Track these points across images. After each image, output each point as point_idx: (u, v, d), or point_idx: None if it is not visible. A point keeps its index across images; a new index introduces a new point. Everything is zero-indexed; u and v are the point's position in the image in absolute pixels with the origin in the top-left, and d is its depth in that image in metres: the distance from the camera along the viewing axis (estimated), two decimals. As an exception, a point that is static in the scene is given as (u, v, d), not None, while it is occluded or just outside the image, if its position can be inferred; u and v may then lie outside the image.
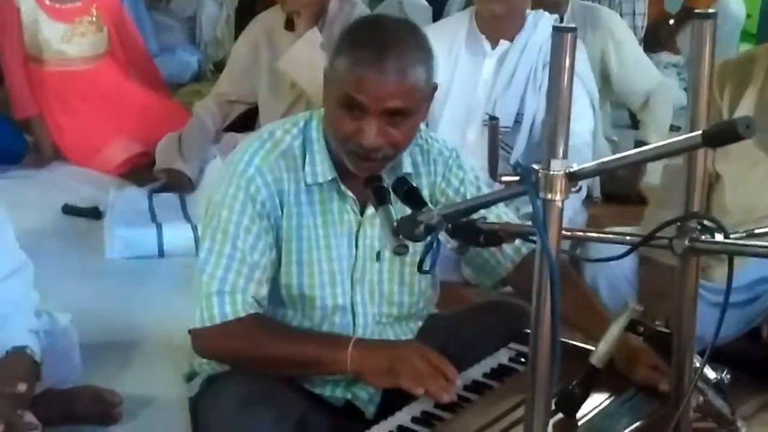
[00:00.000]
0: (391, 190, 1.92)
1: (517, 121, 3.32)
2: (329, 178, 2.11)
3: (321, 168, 2.11)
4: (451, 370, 1.97)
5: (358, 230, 2.17)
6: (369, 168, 2.04)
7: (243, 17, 4.55)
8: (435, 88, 2.12)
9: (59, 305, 2.65)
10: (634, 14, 4.85)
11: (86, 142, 4.41)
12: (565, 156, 1.28)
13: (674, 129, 4.73)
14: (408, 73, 1.98)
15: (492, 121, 1.72)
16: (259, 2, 4.73)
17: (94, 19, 4.56)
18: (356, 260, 2.19)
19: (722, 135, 1.13)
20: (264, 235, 2.10)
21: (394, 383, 1.96)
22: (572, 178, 1.28)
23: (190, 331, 2.13)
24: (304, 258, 2.15)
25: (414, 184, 1.89)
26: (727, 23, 5.42)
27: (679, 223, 1.44)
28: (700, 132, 1.15)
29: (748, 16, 7.17)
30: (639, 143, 4.08)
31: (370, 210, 2.13)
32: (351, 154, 2.03)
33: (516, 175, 1.34)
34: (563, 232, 1.34)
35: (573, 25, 1.28)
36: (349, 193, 2.13)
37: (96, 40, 4.59)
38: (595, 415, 1.91)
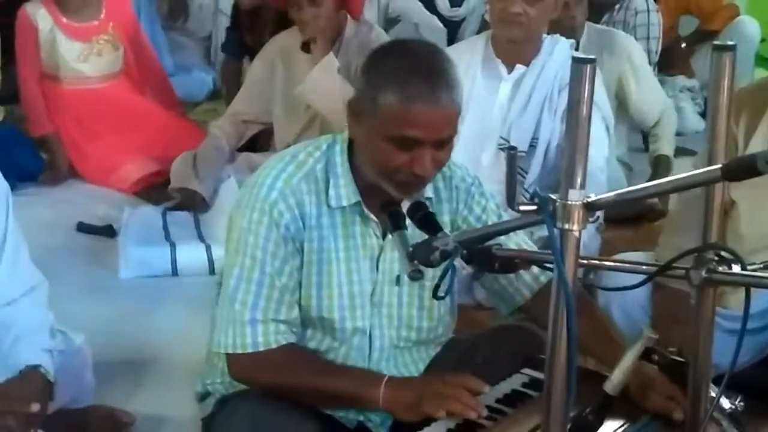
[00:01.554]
0: (406, 215, 1.94)
1: (532, 146, 3.32)
2: (353, 201, 2.11)
3: (345, 191, 2.11)
4: (476, 381, 1.98)
5: (379, 254, 2.17)
6: (416, 192, 2.05)
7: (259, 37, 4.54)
8: None
9: (72, 324, 2.65)
10: (648, 38, 4.84)
11: (101, 161, 4.44)
12: (582, 186, 1.28)
13: (689, 153, 4.73)
14: (456, 100, 2.00)
15: (511, 151, 1.73)
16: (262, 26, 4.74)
17: (110, 38, 4.59)
18: (376, 284, 2.18)
19: (742, 170, 1.13)
20: (291, 258, 2.10)
21: (421, 416, 1.97)
22: (590, 208, 1.29)
23: (227, 355, 2.13)
24: (324, 280, 2.15)
25: (431, 210, 1.90)
26: (742, 44, 5.41)
27: (695, 254, 1.44)
28: (719, 166, 1.15)
29: (763, 40, 7.17)
30: (657, 158, 4.12)
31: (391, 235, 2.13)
32: (400, 183, 2.02)
33: (533, 204, 1.34)
34: (581, 262, 1.35)
35: (592, 56, 1.28)
36: (372, 216, 2.13)
37: (112, 58, 4.62)
38: (609, 444, 1.91)
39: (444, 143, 2.01)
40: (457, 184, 2.26)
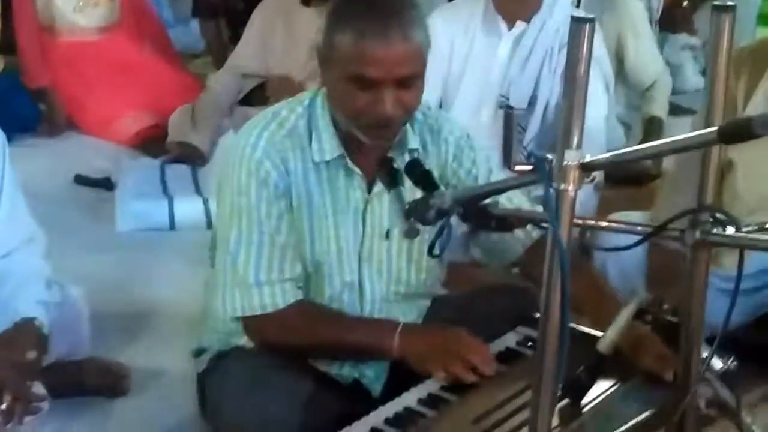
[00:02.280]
0: (404, 172, 1.94)
1: (531, 103, 3.30)
2: (336, 154, 2.11)
3: (328, 145, 2.11)
4: (489, 365, 2.03)
5: (365, 208, 2.17)
6: (384, 136, 2.06)
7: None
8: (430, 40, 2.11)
9: (69, 276, 2.67)
10: (652, -6, 4.83)
11: (99, 113, 4.42)
12: (579, 147, 1.27)
13: (689, 112, 4.72)
14: (413, 37, 1.99)
15: (508, 111, 1.72)
16: None
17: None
18: (364, 238, 2.19)
19: (738, 133, 1.12)
20: (284, 214, 2.11)
21: (436, 370, 2.02)
22: (586, 168, 1.28)
23: (241, 318, 2.15)
24: (315, 236, 2.16)
25: (428, 168, 1.90)
26: (743, 1, 5.39)
27: (690, 215, 1.44)
28: (715, 129, 1.15)
29: (767, -1, 7.13)
30: (649, 119, 4.12)
31: (378, 188, 2.14)
32: (366, 126, 2.03)
33: (530, 164, 1.34)
34: (575, 220, 1.34)
35: (591, 16, 1.27)
36: (357, 169, 2.13)
37: (108, 9, 4.61)
38: (601, 401, 1.92)
39: (407, 83, 2.00)
40: (446, 137, 2.25)
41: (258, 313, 2.10)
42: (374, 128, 2.03)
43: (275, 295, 2.10)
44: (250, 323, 2.14)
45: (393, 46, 1.96)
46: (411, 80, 2.00)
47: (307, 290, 2.20)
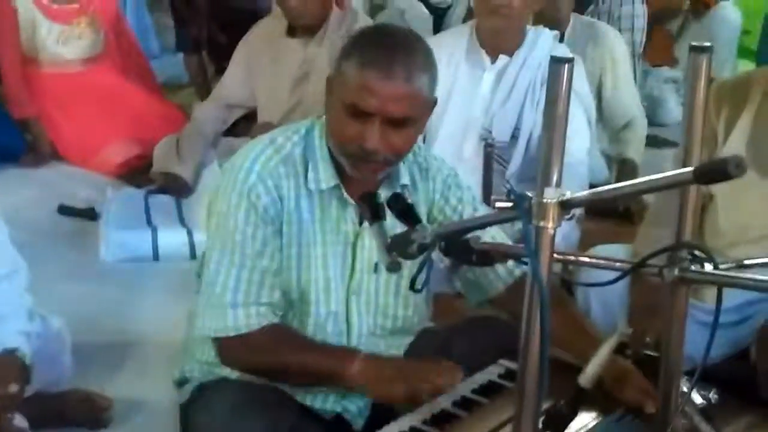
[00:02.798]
0: (386, 206, 1.95)
1: (514, 137, 3.32)
2: (332, 184, 2.12)
3: (324, 175, 2.12)
4: (455, 368, 2.03)
5: (355, 241, 2.18)
6: (367, 170, 2.07)
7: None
8: (435, 101, 2.15)
9: (52, 307, 2.66)
10: (633, 30, 4.86)
11: (84, 143, 4.42)
12: (558, 184, 1.29)
13: (672, 144, 4.75)
14: (414, 79, 2.00)
15: (488, 148, 1.74)
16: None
17: (91, 21, 4.58)
18: (353, 271, 2.19)
19: (713, 174, 1.14)
20: (271, 240, 2.11)
21: (398, 394, 2.00)
22: (565, 206, 1.29)
23: (213, 339, 2.15)
24: (303, 263, 2.16)
25: (410, 201, 1.91)
26: (724, 30, 5.45)
27: (669, 253, 1.45)
28: (691, 169, 1.17)
29: (748, 32, 7.19)
30: (622, 161, 4.09)
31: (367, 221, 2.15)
32: (351, 156, 2.04)
33: (510, 201, 1.35)
34: (555, 256, 1.36)
35: (570, 56, 1.29)
36: (351, 201, 2.14)
37: (92, 42, 4.61)
38: (582, 435, 1.92)
39: (398, 123, 2.01)
40: (434, 175, 2.27)
41: (231, 334, 2.09)
42: (356, 159, 2.04)
43: (249, 317, 2.09)
44: (222, 344, 2.13)
45: (392, 82, 1.97)
46: (403, 122, 2.02)
47: (291, 317, 2.20)
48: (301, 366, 2.11)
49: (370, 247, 2.18)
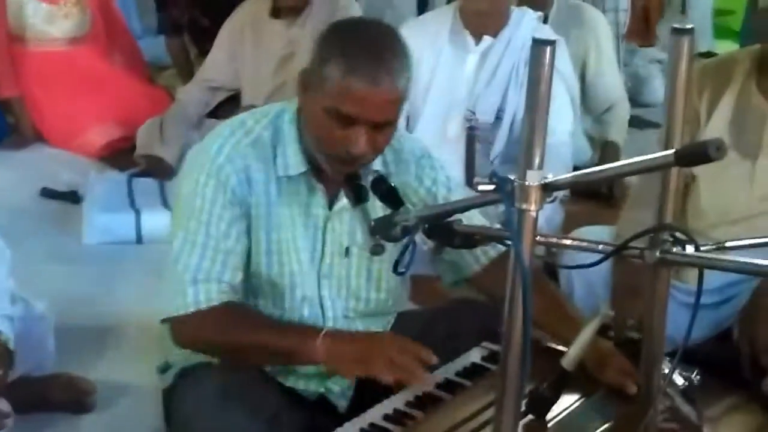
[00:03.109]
0: (370, 189, 1.95)
1: (498, 117, 3.33)
2: (301, 171, 2.11)
3: (293, 161, 2.11)
4: (428, 353, 1.98)
5: (325, 225, 2.18)
6: (348, 171, 2.06)
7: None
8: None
9: (35, 290, 2.66)
10: (617, 10, 4.85)
11: (67, 125, 4.40)
12: (540, 167, 1.28)
13: (657, 126, 4.76)
14: (398, 84, 2.00)
15: (471, 132, 1.74)
16: None
17: (77, 1, 4.55)
18: (323, 255, 2.19)
19: (694, 156, 1.14)
20: (237, 221, 2.10)
21: (366, 372, 1.97)
22: (547, 189, 1.29)
23: (163, 321, 2.13)
24: (273, 248, 2.15)
25: (394, 185, 1.91)
26: (698, 6, 5.45)
27: (650, 235, 1.46)
28: (672, 152, 1.17)
29: (732, 12, 7.21)
30: (604, 143, 4.09)
31: (339, 205, 2.15)
32: (335, 158, 2.04)
33: (492, 184, 1.35)
34: (538, 238, 1.36)
35: (553, 38, 1.29)
36: (319, 186, 2.14)
37: (79, 21, 4.59)
38: (565, 416, 1.92)
39: (382, 126, 2.01)
40: (407, 156, 2.27)
41: (190, 310, 2.06)
42: (340, 162, 2.04)
43: (210, 292, 2.06)
44: (178, 324, 2.10)
45: (378, 91, 1.97)
46: (385, 125, 2.02)
47: (266, 303, 2.20)
48: (261, 344, 2.08)
49: (340, 232, 2.18)
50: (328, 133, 2.01)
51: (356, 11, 4.05)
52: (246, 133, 2.13)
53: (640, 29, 5.49)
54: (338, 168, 2.06)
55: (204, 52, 4.44)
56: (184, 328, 2.11)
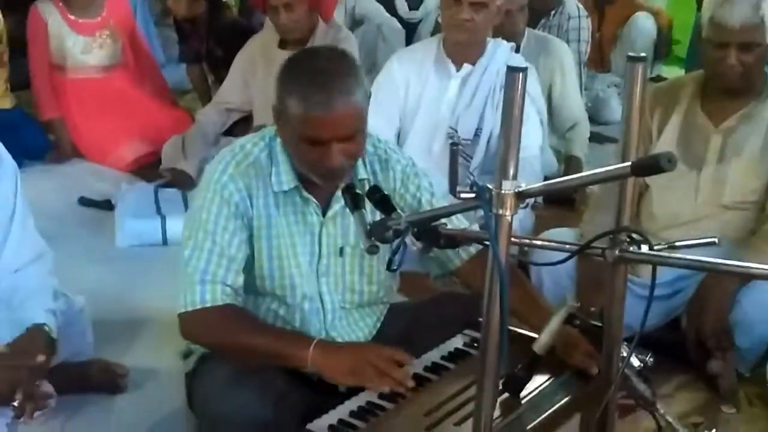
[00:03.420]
0: (367, 198, 1.95)
1: (476, 135, 3.33)
2: (292, 186, 2.13)
3: (286, 178, 2.13)
4: (404, 356, 2.01)
5: (320, 230, 2.18)
6: (335, 181, 2.08)
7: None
8: (369, 96, 2.11)
9: (74, 287, 2.64)
10: (579, 40, 4.84)
11: (101, 142, 4.38)
12: (514, 177, 1.29)
13: (614, 141, 4.76)
14: (353, 101, 2.00)
15: (453, 147, 1.74)
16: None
17: (110, 33, 4.54)
18: (320, 256, 2.19)
19: (648, 168, 1.14)
20: (239, 232, 2.11)
21: (358, 382, 1.98)
22: (520, 196, 1.30)
23: (179, 318, 2.12)
24: (273, 253, 2.16)
25: (387, 193, 1.91)
26: (640, 38, 5.44)
27: (610, 236, 1.46)
28: (629, 164, 1.17)
29: (678, 42, 7.19)
30: (568, 158, 4.08)
31: (331, 212, 2.16)
32: (318, 175, 2.07)
33: (473, 192, 1.35)
34: (512, 239, 1.36)
35: (525, 65, 1.30)
36: (311, 198, 2.15)
37: (112, 51, 4.56)
38: (536, 394, 1.92)
39: (350, 138, 2.01)
40: (393, 165, 2.27)
41: (197, 306, 2.07)
42: (325, 177, 2.06)
43: (215, 293, 2.07)
44: (184, 319, 2.11)
45: (336, 112, 1.97)
46: (352, 135, 2.02)
47: (269, 303, 2.20)
48: (257, 347, 2.08)
49: (334, 234, 2.19)
50: (305, 155, 2.03)
51: (354, 43, 4.04)
52: (245, 155, 2.14)
53: (598, 58, 5.47)
54: (326, 181, 2.08)
55: (220, 78, 4.44)
56: (190, 325, 2.12)
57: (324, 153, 2.00)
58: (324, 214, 2.17)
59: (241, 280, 2.13)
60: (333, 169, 2.02)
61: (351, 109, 2.00)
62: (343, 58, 2.09)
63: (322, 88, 1.97)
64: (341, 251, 2.20)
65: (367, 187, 1.97)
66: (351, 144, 2.03)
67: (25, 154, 3.75)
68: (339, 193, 2.08)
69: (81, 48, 4.47)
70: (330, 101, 1.96)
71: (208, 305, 2.08)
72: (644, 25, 5.56)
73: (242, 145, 2.17)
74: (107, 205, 3.88)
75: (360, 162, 2.17)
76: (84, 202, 3.94)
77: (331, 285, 2.22)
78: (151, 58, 4.92)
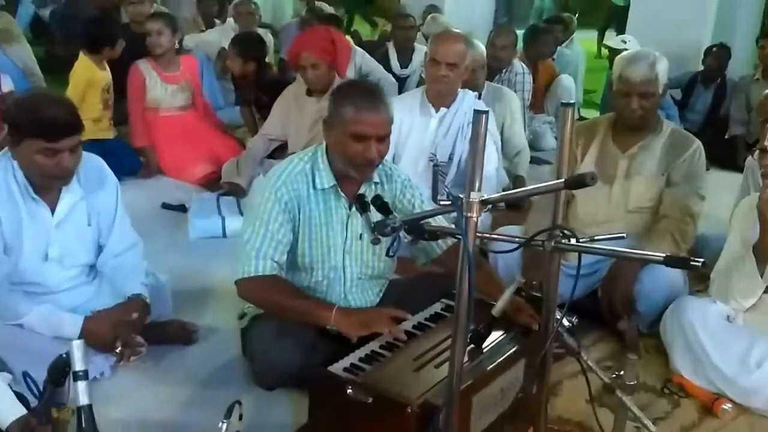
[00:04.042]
0: (371, 204, 1.96)
1: (450, 158, 3.32)
2: (331, 184, 2.14)
3: (326, 179, 2.14)
4: (401, 313, 2.04)
5: (347, 220, 2.18)
6: (366, 171, 2.10)
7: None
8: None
9: (159, 268, 2.65)
10: (523, 90, 4.86)
11: (178, 163, 4.37)
12: (479, 190, 1.30)
13: (547, 163, 4.76)
14: (388, 113, 2.05)
15: (435, 167, 1.75)
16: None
17: (186, 83, 4.53)
18: (346, 239, 2.20)
19: (576, 183, 1.15)
20: (286, 223, 2.12)
21: (369, 330, 1.99)
22: (484, 203, 1.31)
23: (235, 282, 2.12)
24: (312, 236, 2.17)
25: (386, 200, 1.92)
26: (564, 94, 5.44)
27: (548, 232, 1.47)
28: (563, 180, 1.18)
29: (593, 91, 7.21)
30: (515, 177, 4.05)
31: (355, 207, 2.14)
32: (357, 165, 2.07)
33: (449, 200, 1.36)
34: (477, 234, 1.37)
35: (486, 108, 1.30)
36: (343, 195, 2.15)
37: (186, 96, 4.55)
38: (494, 345, 1.94)
39: (383, 139, 2.05)
40: (395, 179, 2.29)
41: (251, 274, 2.07)
42: (362, 166, 2.08)
43: (265, 266, 2.08)
44: (241, 284, 2.11)
45: (378, 116, 2.02)
46: (385, 137, 2.06)
47: (305, 275, 2.19)
48: (292, 306, 2.08)
49: (356, 224, 2.19)
50: (351, 149, 2.04)
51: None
52: (294, 167, 2.16)
53: (535, 103, 5.47)
54: (360, 172, 2.09)
55: (264, 117, 4.41)
56: (244, 287, 2.12)
57: (366, 147, 2.03)
58: (350, 208, 2.17)
59: (284, 258, 2.13)
60: (370, 159, 2.04)
61: (387, 118, 2.04)
62: (378, 86, 2.15)
63: (370, 98, 2.03)
64: (360, 236, 2.21)
65: (372, 196, 1.98)
66: (382, 144, 2.06)
67: (122, 172, 3.70)
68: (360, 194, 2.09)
69: (167, 94, 4.46)
70: (375, 108, 2.01)
71: (260, 274, 2.08)
72: (567, 82, 5.58)
73: (291, 160, 2.18)
74: (182, 209, 3.86)
75: (375, 172, 2.18)
76: (165, 206, 3.92)
77: (352, 260, 2.22)
78: (205, 103, 4.91)
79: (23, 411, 1.68)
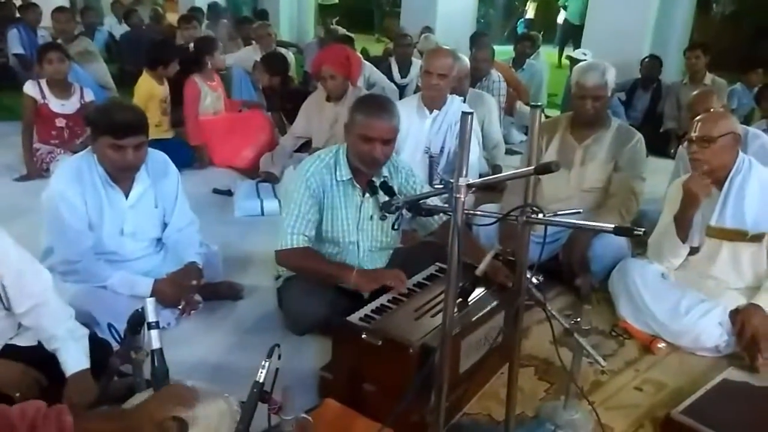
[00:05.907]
0: (379, 188, 1.95)
1: (441, 151, 3.30)
2: (348, 177, 2.12)
3: (345, 172, 2.13)
4: (403, 274, 2.04)
5: (361, 204, 2.17)
6: (374, 168, 2.08)
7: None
8: (399, 128, 2.12)
9: (211, 240, 2.66)
10: (499, 95, 4.81)
11: (224, 155, 4.35)
12: (466, 176, 1.28)
13: (518, 153, 4.73)
14: (394, 120, 2.03)
15: (430, 158, 1.73)
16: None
17: (221, 90, 4.54)
18: (359, 220, 2.19)
19: (544, 170, 1.14)
20: (314, 206, 2.12)
21: (380, 284, 2.01)
22: (469, 187, 1.30)
23: (276, 252, 2.14)
24: (333, 217, 2.16)
25: (391, 185, 1.91)
26: (524, 116, 5.37)
27: (520, 209, 1.46)
28: (533, 168, 1.16)
29: (556, 95, 7.12)
30: (494, 166, 4.02)
31: (367, 195, 2.16)
32: (366, 162, 2.06)
33: (442, 184, 1.35)
34: (464, 211, 1.36)
35: (471, 110, 1.29)
36: (357, 185, 2.14)
37: (221, 102, 4.55)
38: (478, 299, 1.95)
39: (388, 142, 2.03)
40: (400, 169, 2.27)
41: (288, 246, 2.08)
42: (369, 163, 2.06)
43: (298, 239, 2.09)
44: (279, 253, 2.12)
45: (383, 123, 2.00)
46: (389, 141, 2.04)
47: (330, 246, 2.19)
48: (320, 270, 2.10)
49: (368, 207, 2.19)
50: (360, 148, 2.03)
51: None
52: (321, 160, 2.15)
53: (507, 107, 5.42)
54: (368, 167, 2.07)
55: (291, 120, 4.38)
56: (282, 256, 2.13)
57: (372, 147, 2.01)
58: (363, 195, 2.16)
59: (313, 232, 2.13)
60: (375, 158, 2.03)
61: (391, 126, 2.02)
62: (390, 101, 2.12)
63: (379, 109, 2.01)
64: (371, 217, 2.20)
65: (379, 182, 1.97)
66: (386, 147, 2.04)
67: (181, 164, 3.68)
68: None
69: (213, 100, 4.45)
70: (382, 116, 2.00)
71: (294, 246, 2.08)
72: (524, 109, 5.50)
73: (319, 155, 2.17)
74: (229, 193, 3.85)
75: (384, 167, 2.16)
76: (215, 191, 3.91)
77: (364, 236, 2.22)
78: (227, 98, 4.84)
79: (87, 365, 1.65)
